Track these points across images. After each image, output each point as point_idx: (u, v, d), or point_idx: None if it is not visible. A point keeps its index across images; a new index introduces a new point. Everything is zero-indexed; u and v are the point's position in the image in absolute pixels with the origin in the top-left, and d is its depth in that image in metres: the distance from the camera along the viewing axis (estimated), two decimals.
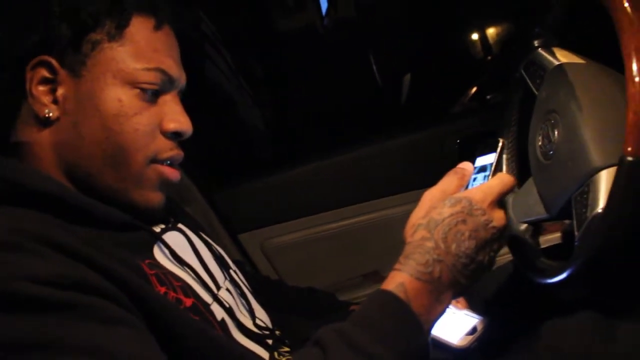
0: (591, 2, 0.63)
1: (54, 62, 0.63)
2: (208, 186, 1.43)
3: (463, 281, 0.59)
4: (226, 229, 1.43)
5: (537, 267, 0.72)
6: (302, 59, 1.98)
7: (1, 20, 0.66)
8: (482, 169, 0.69)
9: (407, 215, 0.64)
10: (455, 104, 1.69)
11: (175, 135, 0.69)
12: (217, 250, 0.78)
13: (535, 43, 0.80)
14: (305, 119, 1.99)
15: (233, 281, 0.77)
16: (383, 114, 1.91)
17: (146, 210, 0.68)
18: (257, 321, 0.75)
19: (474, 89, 1.65)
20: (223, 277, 0.75)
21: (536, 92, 0.79)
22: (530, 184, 0.79)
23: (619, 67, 0.58)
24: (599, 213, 0.60)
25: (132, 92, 0.65)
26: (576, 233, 0.64)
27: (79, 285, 0.50)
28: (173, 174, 0.70)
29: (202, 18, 1.63)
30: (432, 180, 0.66)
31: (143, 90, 0.66)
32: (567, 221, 0.80)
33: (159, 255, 0.66)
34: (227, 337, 0.66)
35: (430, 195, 0.64)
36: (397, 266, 0.59)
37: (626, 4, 0.56)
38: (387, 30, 1.99)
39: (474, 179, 0.68)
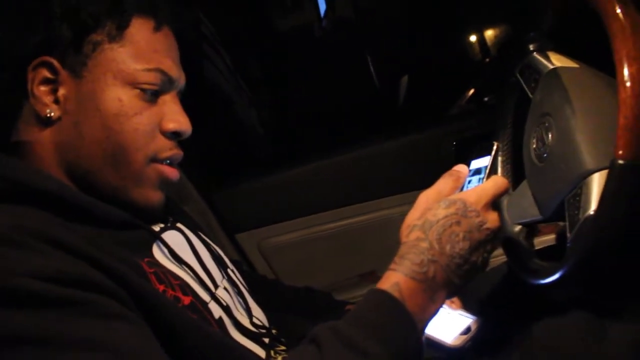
0: (585, 8, 0.64)
1: (55, 62, 0.64)
2: (207, 186, 1.44)
3: (457, 281, 0.60)
4: (223, 228, 1.43)
5: (530, 268, 0.73)
6: (300, 59, 1.99)
7: (3, 21, 0.67)
8: (477, 171, 0.70)
9: (404, 216, 0.65)
10: (453, 105, 1.70)
11: (174, 135, 0.70)
12: (215, 250, 0.79)
13: (531, 47, 0.81)
14: (302, 120, 2.00)
15: (230, 280, 0.77)
16: (380, 115, 1.92)
17: (146, 209, 0.69)
18: (254, 320, 0.76)
19: (472, 91, 1.66)
20: (221, 276, 0.76)
21: (531, 96, 0.80)
22: (524, 186, 0.80)
23: (613, 72, 0.59)
24: (591, 215, 0.61)
25: (132, 92, 0.66)
26: (568, 235, 0.65)
27: (79, 282, 0.51)
28: (172, 173, 0.71)
29: (201, 19, 1.63)
30: (430, 181, 0.67)
31: (143, 90, 0.66)
32: (561, 223, 0.81)
33: (158, 253, 0.67)
34: (224, 335, 0.66)
35: (426, 197, 0.65)
36: (392, 266, 0.59)
37: (618, 11, 0.58)
38: (385, 32, 1.99)
39: (469, 182, 0.69)
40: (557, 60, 0.76)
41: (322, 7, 2.05)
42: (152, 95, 0.68)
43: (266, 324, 0.79)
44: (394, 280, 0.58)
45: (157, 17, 0.69)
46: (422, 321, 0.58)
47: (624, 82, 0.56)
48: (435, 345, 0.80)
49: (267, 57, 1.97)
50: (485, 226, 0.61)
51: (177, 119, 0.69)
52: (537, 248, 0.78)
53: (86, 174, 0.66)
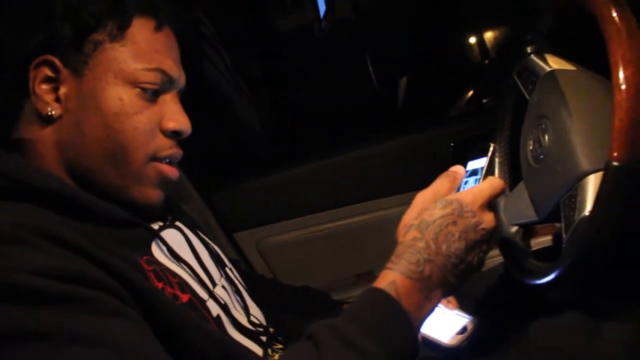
0: (582, 11, 0.64)
1: (56, 61, 0.64)
2: (207, 186, 1.44)
3: (452, 280, 0.60)
4: (222, 227, 1.43)
5: (526, 269, 0.74)
6: (300, 60, 1.99)
7: (5, 21, 0.67)
8: (474, 172, 0.71)
9: (401, 216, 0.65)
10: (452, 106, 1.70)
11: (174, 134, 0.71)
12: (214, 248, 0.80)
13: (528, 49, 0.82)
14: (302, 120, 2.00)
15: (229, 279, 0.78)
16: (380, 116, 1.92)
17: (145, 207, 0.69)
18: (252, 318, 0.76)
19: (471, 92, 1.66)
20: (219, 275, 0.76)
21: (528, 98, 0.81)
22: (521, 188, 0.81)
23: (609, 75, 0.60)
24: (586, 216, 0.62)
25: (133, 92, 0.66)
26: (564, 235, 0.65)
27: (79, 279, 0.51)
28: (172, 172, 0.71)
29: (201, 19, 1.64)
30: (428, 182, 0.68)
31: (143, 89, 0.67)
32: (557, 224, 0.81)
33: (157, 252, 0.68)
34: (222, 333, 0.67)
35: (422, 197, 0.66)
36: (388, 265, 0.60)
37: (614, 14, 0.58)
38: (385, 33, 2.00)
39: (466, 182, 0.70)
40: (554, 63, 0.77)
41: (322, 7, 2.05)
42: (153, 95, 0.68)
43: (264, 322, 0.79)
44: (391, 279, 0.58)
45: (158, 17, 0.69)
46: (418, 320, 0.58)
47: (619, 85, 0.57)
48: (431, 344, 0.80)
49: (267, 57, 1.97)
50: (481, 226, 0.62)
51: (177, 118, 0.70)
52: (533, 249, 0.78)
53: (86, 172, 0.66)
